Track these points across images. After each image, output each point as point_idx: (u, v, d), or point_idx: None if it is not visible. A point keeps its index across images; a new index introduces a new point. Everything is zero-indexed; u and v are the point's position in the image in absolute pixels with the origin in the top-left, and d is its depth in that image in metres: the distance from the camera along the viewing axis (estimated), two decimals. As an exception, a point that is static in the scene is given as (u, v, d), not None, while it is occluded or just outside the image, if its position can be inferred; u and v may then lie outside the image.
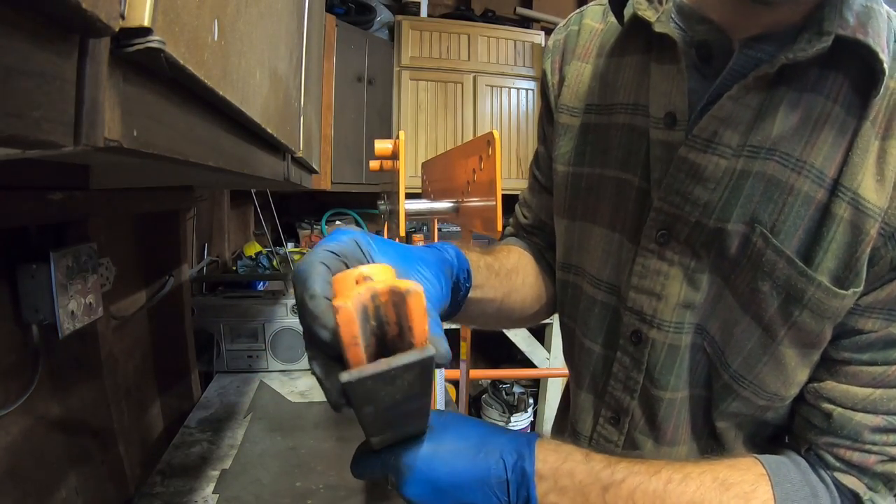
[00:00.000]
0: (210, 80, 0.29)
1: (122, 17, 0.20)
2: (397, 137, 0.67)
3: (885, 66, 0.37)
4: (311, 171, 1.07)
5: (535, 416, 2.74)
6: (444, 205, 0.74)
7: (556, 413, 0.75)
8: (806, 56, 0.38)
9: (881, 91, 0.38)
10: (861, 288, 0.40)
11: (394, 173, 0.73)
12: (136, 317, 1.10)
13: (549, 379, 2.69)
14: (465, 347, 0.82)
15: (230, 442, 1.07)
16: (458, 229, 1.01)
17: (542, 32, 2.81)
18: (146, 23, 0.21)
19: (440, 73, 2.66)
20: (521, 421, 2.61)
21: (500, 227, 0.54)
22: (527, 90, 2.79)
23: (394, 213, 0.72)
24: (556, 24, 3.35)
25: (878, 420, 0.42)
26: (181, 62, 0.25)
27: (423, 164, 1.12)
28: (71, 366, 0.79)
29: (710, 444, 0.51)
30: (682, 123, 0.44)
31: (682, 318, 0.47)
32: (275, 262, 2.04)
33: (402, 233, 0.64)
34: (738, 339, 0.45)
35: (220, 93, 0.32)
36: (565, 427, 0.65)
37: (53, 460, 0.77)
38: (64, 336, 0.71)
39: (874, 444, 0.42)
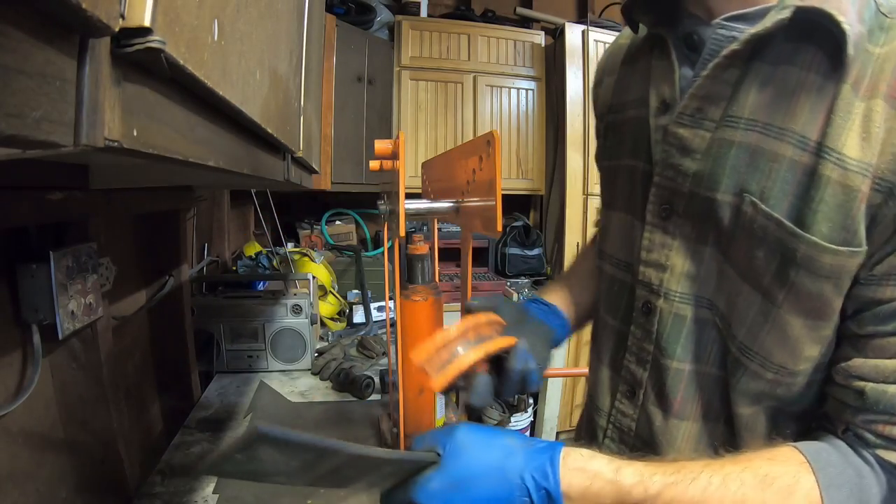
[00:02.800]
0: (210, 80, 0.29)
1: (122, 17, 0.20)
2: (397, 137, 0.67)
3: (845, 26, 0.39)
4: (311, 171, 1.07)
5: (535, 416, 2.74)
6: (444, 205, 0.74)
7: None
8: (767, 29, 0.41)
9: (850, 53, 0.39)
10: (863, 248, 0.40)
11: (394, 173, 0.73)
12: (136, 317, 1.10)
13: (549, 379, 2.69)
14: (465, 347, 0.82)
15: (230, 442, 1.07)
16: (458, 229, 1.01)
17: (542, 32, 2.80)
18: (146, 23, 0.21)
19: (440, 73, 2.66)
20: (521, 421, 2.61)
21: (499, 227, 0.54)
22: (527, 90, 2.79)
23: (394, 213, 0.72)
24: (556, 24, 3.35)
25: None
26: (181, 62, 0.25)
27: (423, 164, 1.12)
28: (71, 366, 0.79)
29: (725, 430, 0.51)
30: (673, 108, 0.49)
31: (688, 288, 0.50)
32: (275, 262, 2.04)
33: (402, 233, 0.64)
34: (740, 309, 0.46)
35: (220, 93, 0.32)
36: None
37: (53, 460, 0.77)
38: (64, 336, 0.71)
39: None
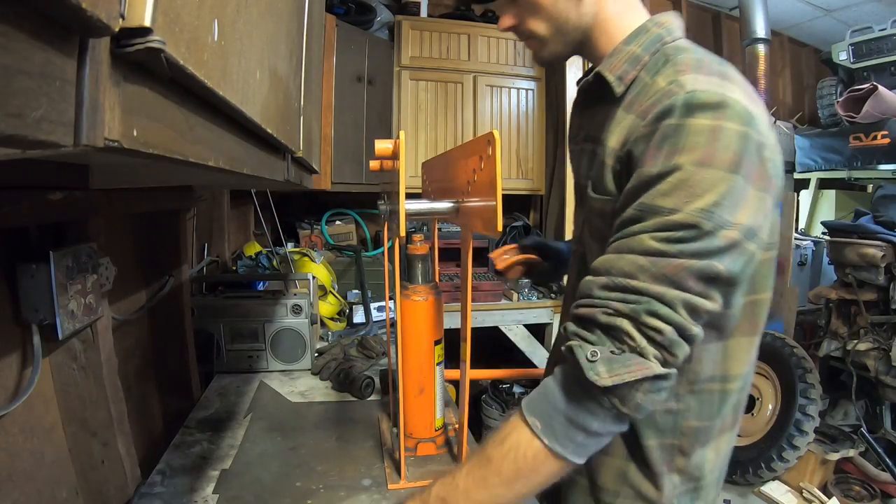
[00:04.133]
0: (210, 80, 0.29)
1: (122, 17, 0.20)
2: (397, 137, 0.67)
3: (609, 79, 0.64)
4: (311, 171, 1.07)
5: (535, 416, 2.74)
6: (444, 205, 0.74)
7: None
8: (581, 87, 0.73)
9: (619, 91, 0.63)
10: (611, 197, 0.61)
11: (394, 173, 0.73)
12: (136, 317, 1.10)
13: (549, 379, 2.69)
14: (465, 348, 0.82)
15: (230, 442, 1.07)
16: (458, 229, 1.02)
17: (542, 32, 2.80)
18: (146, 23, 0.21)
19: (440, 73, 2.66)
20: (521, 421, 2.61)
21: (499, 227, 0.54)
22: (527, 90, 2.79)
23: (394, 213, 0.72)
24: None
25: (604, 279, 0.56)
26: (181, 62, 0.25)
27: (423, 164, 1.12)
28: (71, 366, 0.79)
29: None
30: None
31: (580, 234, 0.73)
32: (275, 262, 2.04)
33: (402, 233, 0.64)
34: (585, 241, 0.71)
35: (220, 93, 0.32)
36: None
37: (53, 460, 0.77)
38: (64, 336, 0.71)
39: (599, 297, 0.55)
